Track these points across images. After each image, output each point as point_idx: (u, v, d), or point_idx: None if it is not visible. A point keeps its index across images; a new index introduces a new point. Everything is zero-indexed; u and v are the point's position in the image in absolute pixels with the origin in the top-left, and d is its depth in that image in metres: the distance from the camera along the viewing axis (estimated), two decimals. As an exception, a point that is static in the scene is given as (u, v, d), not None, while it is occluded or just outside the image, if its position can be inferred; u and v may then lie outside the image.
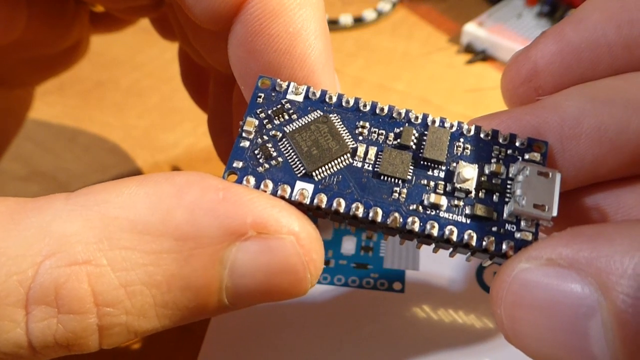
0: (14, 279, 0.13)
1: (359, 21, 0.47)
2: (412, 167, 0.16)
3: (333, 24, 0.46)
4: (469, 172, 0.16)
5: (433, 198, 0.16)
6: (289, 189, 0.16)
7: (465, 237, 0.15)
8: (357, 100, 0.17)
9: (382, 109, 0.17)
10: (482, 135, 0.17)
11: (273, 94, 0.17)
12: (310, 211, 0.16)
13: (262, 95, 0.17)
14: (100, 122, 0.39)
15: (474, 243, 0.15)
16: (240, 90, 0.20)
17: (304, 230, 0.15)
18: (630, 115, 0.16)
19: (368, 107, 0.17)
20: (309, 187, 0.16)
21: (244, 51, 0.18)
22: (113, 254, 0.14)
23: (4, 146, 0.34)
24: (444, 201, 0.16)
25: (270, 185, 0.16)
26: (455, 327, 0.22)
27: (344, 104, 0.17)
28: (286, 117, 0.17)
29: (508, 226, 0.15)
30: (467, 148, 0.17)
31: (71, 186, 0.35)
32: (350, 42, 0.45)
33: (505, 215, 0.16)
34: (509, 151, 0.17)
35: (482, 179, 0.16)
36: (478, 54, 0.42)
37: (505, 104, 0.20)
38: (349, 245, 0.26)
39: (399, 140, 0.17)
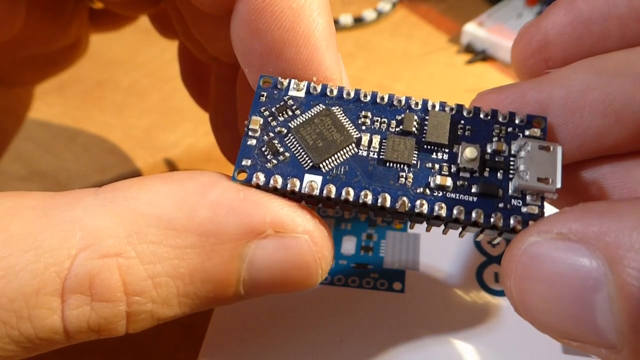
0: (51, 270, 0.14)
1: (359, 21, 0.47)
2: (416, 152, 0.17)
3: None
4: (471, 152, 0.16)
5: (439, 180, 0.16)
6: (298, 182, 0.16)
7: (474, 215, 0.16)
8: (357, 92, 0.17)
9: (382, 98, 0.17)
10: (481, 116, 0.17)
11: (275, 92, 0.17)
12: (320, 202, 0.17)
13: (265, 93, 0.17)
14: (100, 122, 0.39)
15: (482, 221, 0.16)
16: (244, 79, 0.20)
17: (318, 229, 0.16)
18: (637, 87, 0.16)
19: (369, 97, 0.17)
20: (318, 179, 0.16)
21: (247, 31, 0.18)
22: (141, 248, 0.15)
23: (4, 146, 0.34)
24: (449, 182, 0.16)
25: (280, 180, 0.16)
26: (455, 327, 0.22)
27: (344, 96, 0.17)
28: (290, 113, 0.17)
29: (514, 201, 0.16)
30: (469, 129, 0.17)
31: (71, 186, 0.35)
32: (350, 42, 0.45)
33: (510, 191, 0.16)
34: (509, 129, 0.17)
35: (486, 157, 0.16)
36: (478, 54, 0.42)
37: (515, 76, 0.20)
38: (349, 245, 0.26)
39: (401, 127, 0.17)
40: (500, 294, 0.23)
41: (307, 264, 0.16)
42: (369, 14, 0.47)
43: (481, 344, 0.22)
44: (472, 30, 0.43)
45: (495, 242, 0.17)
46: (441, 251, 0.25)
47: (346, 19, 0.46)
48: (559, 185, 0.15)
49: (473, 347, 0.22)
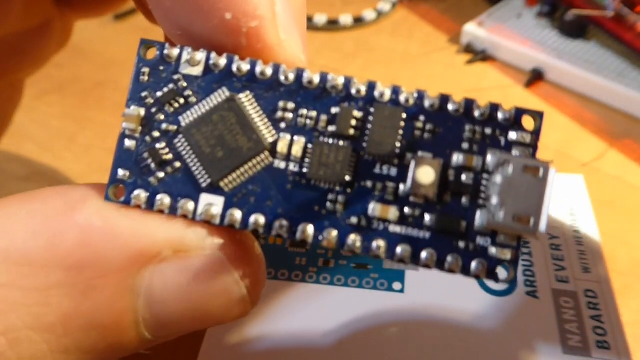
0: None
1: (358, 21, 0.47)
2: (352, 165, 0.12)
3: (333, 24, 0.46)
4: (427, 175, 0.12)
5: (379, 209, 0.12)
6: (192, 205, 0.12)
7: (423, 256, 0.12)
8: (276, 69, 0.12)
9: (310, 81, 0.12)
10: (450, 109, 0.12)
11: (162, 67, 0.13)
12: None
13: (147, 70, 0.13)
14: (100, 122, 0.39)
15: (433, 265, 0.12)
16: None
17: (233, 243, 0.12)
18: None
19: (292, 78, 0.12)
20: (218, 201, 0.12)
21: None
22: None
23: None
24: (393, 213, 0.12)
25: (168, 200, 0.12)
26: (455, 327, 0.22)
27: (258, 75, 0.12)
28: (181, 101, 0.13)
29: (480, 240, 0.12)
30: (429, 130, 0.12)
31: (71, 186, 0.34)
32: (350, 42, 0.45)
33: (476, 225, 0.12)
34: (487, 130, 0.12)
35: (449, 174, 0.12)
36: (478, 54, 0.42)
37: None
38: (349, 245, 0.26)
39: (334, 127, 0.12)
40: (500, 294, 0.23)
41: (226, 288, 0.12)
42: (369, 14, 0.47)
43: (481, 344, 0.22)
44: (472, 30, 0.43)
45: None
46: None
47: (346, 19, 0.46)
48: (542, 229, 0.11)
49: (473, 347, 0.22)
